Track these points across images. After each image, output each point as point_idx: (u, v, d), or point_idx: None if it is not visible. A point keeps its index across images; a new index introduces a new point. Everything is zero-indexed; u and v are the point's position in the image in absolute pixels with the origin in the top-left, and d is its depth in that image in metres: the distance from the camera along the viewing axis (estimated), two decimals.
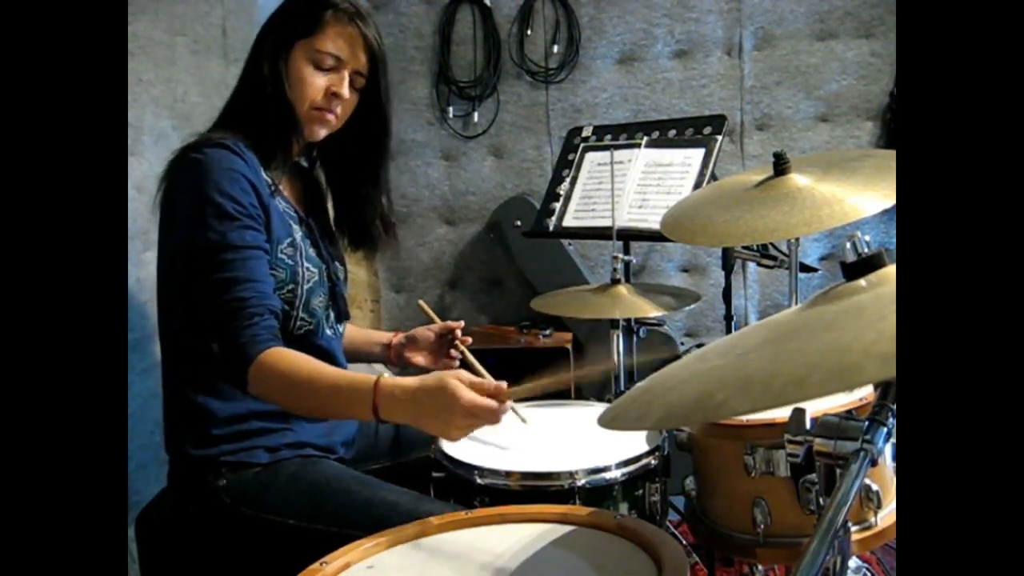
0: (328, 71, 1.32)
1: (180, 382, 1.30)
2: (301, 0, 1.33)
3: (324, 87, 1.32)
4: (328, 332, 1.38)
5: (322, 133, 1.36)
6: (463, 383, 1.09)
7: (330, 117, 1.34)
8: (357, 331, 1.63)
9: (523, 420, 1.39)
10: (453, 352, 1.53)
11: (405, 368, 1.53)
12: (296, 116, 1.32)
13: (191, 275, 1.20)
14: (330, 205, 1.54)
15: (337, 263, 1.44)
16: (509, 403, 1.13)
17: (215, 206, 1.19)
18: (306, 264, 1.31)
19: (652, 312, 1.60)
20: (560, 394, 1.50)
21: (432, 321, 1.57)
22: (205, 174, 1.20)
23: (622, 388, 1.88)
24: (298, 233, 1.32)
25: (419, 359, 1.55)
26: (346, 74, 1.33)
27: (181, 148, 1.27)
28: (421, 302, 1.64)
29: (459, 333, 1.53)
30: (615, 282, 1.67)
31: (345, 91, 1.33)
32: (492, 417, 1.10)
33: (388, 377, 1.12)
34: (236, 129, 1.29)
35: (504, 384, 1.12)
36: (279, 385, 1.15)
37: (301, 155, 1.46)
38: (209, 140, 1.25)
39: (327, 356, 1.29)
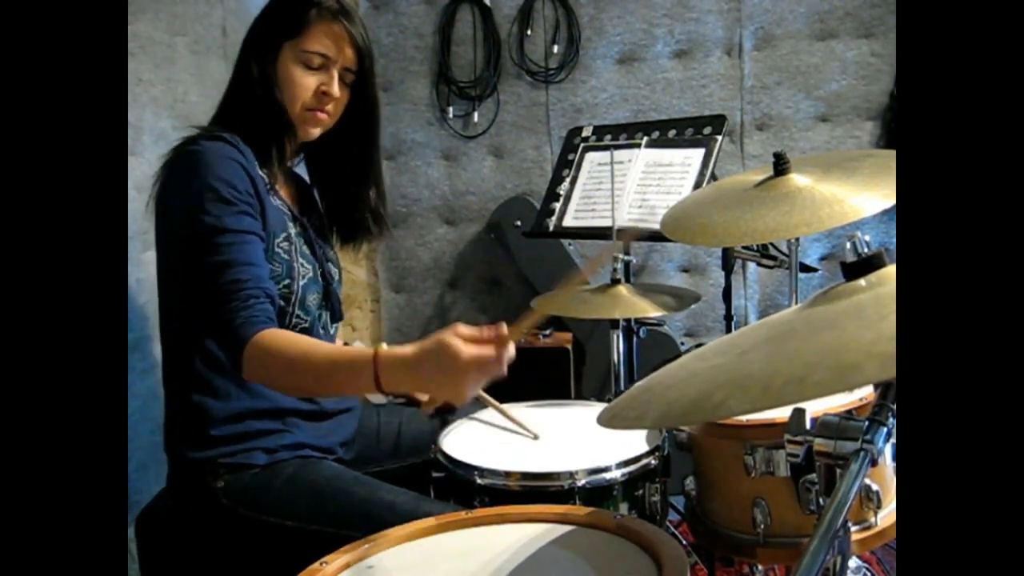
0: (317, 70, 1.31)
1: (179, 382, 1.29)
2: (285, 0, 1.32)
3: (314, 87, 1.31)
4: (320, 332, 1.37)
5: (316, 132, 1.36)
6: (461, 338, 1.03)
7: (322, 116, 1.34)
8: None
9: (535, 437, 1.38)
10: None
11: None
12: (289, 117, 1.31)
13: (187, 260, 1.19)
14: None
15: (331, 264, 1.43)
16: (519, 410, 1.09)
17: (212, 191, 1.18)
18: (301, 260, 1.31)
19: (652, 312, 1.60)
20: (560, 394, 1.49)
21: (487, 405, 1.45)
22: (202, 161, 1.20)
23: (622, 388, 1.88)
24: (293, 230, 1.32)
25: None
26: (335, 72, 1.32)
27: (177, 144, 1.27)
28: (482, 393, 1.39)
29: None
30: (615, 282, 1.67)
31: (335, 90, 1.32)
32: (497, 366, 1.03)
33: (386, 348, 1.08)
34: (230, 129, 1.28)
35: (503, 326, 1.06)
36: (275, 365, 1.11)
37: (296, 156, 1.44)
38: (205, 134, 1.25)
39: None
